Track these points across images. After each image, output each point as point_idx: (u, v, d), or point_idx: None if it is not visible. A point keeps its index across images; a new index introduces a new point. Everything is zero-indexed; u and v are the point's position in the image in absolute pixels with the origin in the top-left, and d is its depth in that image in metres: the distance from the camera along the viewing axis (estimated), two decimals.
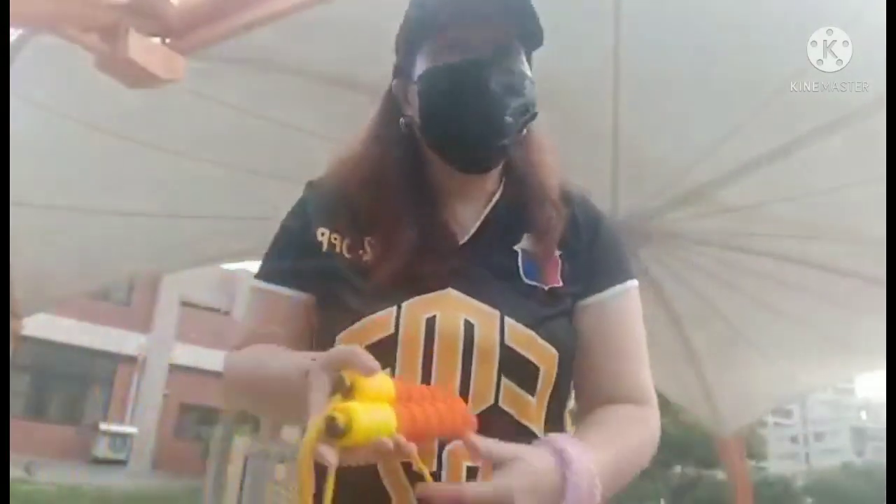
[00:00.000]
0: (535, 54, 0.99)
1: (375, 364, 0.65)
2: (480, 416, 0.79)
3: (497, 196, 0.98)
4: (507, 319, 0.86)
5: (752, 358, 4.82)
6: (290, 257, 0.95)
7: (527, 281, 0.91)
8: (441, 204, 0.96)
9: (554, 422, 0.90)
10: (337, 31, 2.23)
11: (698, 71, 2.39)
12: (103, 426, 17.30)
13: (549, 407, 0.89)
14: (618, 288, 0.95)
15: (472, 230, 0.94)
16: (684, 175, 2.99)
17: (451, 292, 0.87)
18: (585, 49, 2.28)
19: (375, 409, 0.64)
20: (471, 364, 0.83)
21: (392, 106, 0.99)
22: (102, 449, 17.06)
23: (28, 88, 2.43)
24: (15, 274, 2.76)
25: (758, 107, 2.54)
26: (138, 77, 2.08)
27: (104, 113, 2.68)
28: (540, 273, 0.92)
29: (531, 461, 0.72)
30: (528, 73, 0.94)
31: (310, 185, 1.01)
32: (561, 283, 0.92)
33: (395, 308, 0.85)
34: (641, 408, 0.92)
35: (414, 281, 0.87)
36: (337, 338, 0.86)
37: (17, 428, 16.34)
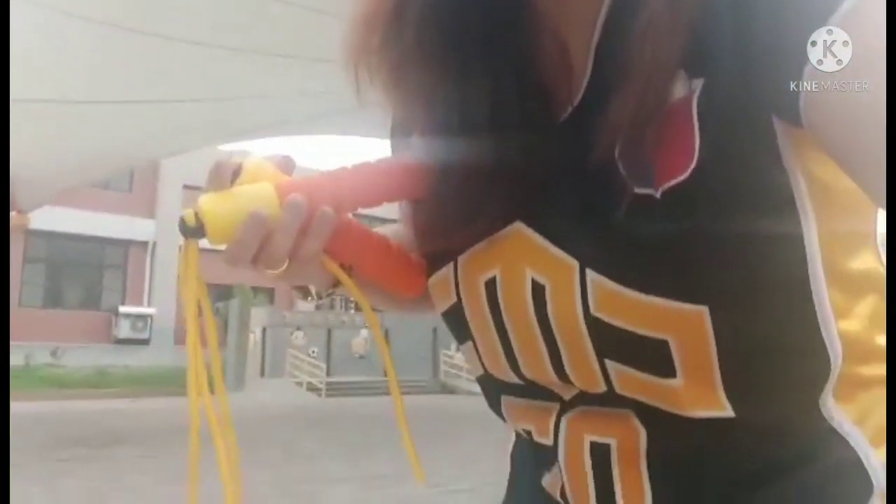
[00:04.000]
0: None
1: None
2: (594, 404, 0.51)
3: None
4: (591, 274, 0.48)
5: None
6: None
7: (636, 189, 0.46)
8: (539, 33, 0.53)
9: (761, 403, 0.48)
10: None
11: None
12: (123, 309, 17.84)
13: (728, 379, 0.46)
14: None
15: (585, 82, 0.51)
16: None
17: (519, 230, 0.52)
18: None
19: (242, 192, 0.52)
20: (555, 339, 0.51)
21: None
22: (125, 330, 17.69)
23: None
24: (16, 169, 2.78)
25: None
26: None
27: (107, 5, 2.62)
28: (650, 167, 0.46)
29: None
30: None
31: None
32: (695, 165, 0.44)
33: (451, 266, 0.55)
34: None
35: (465, 217, 0.53)
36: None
37: (39, 317, 16.85)
